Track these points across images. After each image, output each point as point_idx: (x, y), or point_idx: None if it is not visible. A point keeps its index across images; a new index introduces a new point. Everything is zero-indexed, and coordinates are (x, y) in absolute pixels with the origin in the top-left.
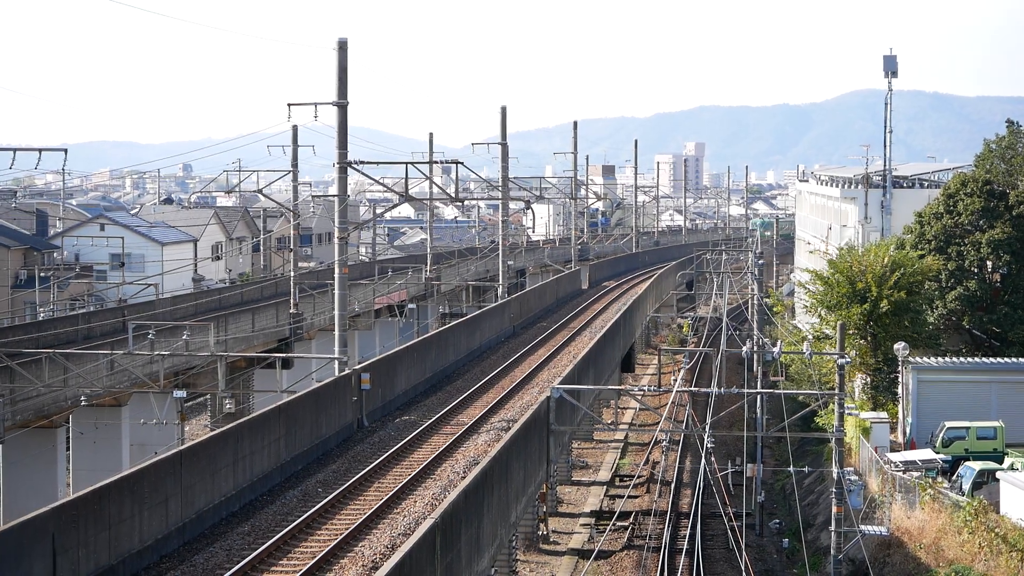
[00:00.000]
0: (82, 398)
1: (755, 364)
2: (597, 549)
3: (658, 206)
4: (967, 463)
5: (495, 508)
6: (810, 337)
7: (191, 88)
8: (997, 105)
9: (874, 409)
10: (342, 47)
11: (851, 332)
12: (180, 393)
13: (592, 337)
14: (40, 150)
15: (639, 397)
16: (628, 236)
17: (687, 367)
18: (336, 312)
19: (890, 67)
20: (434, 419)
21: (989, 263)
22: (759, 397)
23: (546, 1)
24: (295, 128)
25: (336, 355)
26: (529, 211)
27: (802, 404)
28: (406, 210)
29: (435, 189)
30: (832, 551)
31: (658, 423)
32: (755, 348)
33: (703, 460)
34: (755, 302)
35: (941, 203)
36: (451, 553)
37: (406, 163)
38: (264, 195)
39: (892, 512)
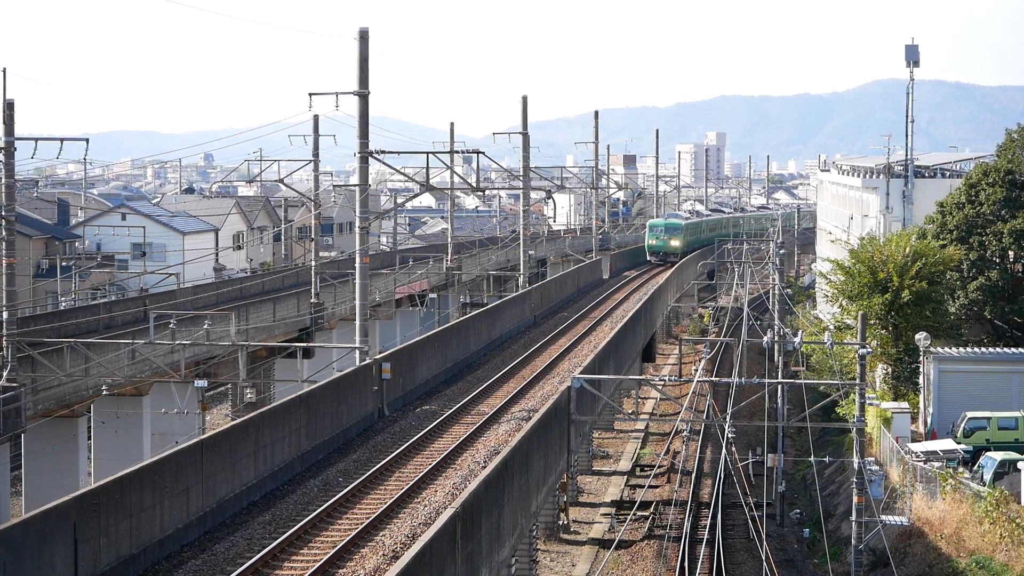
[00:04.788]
0: (103, 387)
1: (776, 354)
2: (618, 539)
3: (679, 196)
4: (988, 453)
5: (516, 498)
6: (831, 327)
7: (212, 78)
8: (1019, 95)
9: (895, 399)
10: (363, 37)
11: (872, 322)
12: (201, 383)
13: (613, 327)
14: (62, 139)
15: (660, 387)
16: None
17: (708, 357)
18: (357, 302)
19: (912, 57)
20: (455, 409)
21: (1011, 253)
22: (780, 387)
23: None
24: (316, 117)
25: (357, 345)
26: (550, 201)
27: (823, 394)
28: (427, 200)
29: (456, 179)
30: (853, 541)
31: (679, 413)
32: (776, 338)
33: (724, 450)
34: (776, 292)
35: (963, 193)
36: (472, 543)
37: (427, 153)
38: (285, 184)
39: (913, 502)
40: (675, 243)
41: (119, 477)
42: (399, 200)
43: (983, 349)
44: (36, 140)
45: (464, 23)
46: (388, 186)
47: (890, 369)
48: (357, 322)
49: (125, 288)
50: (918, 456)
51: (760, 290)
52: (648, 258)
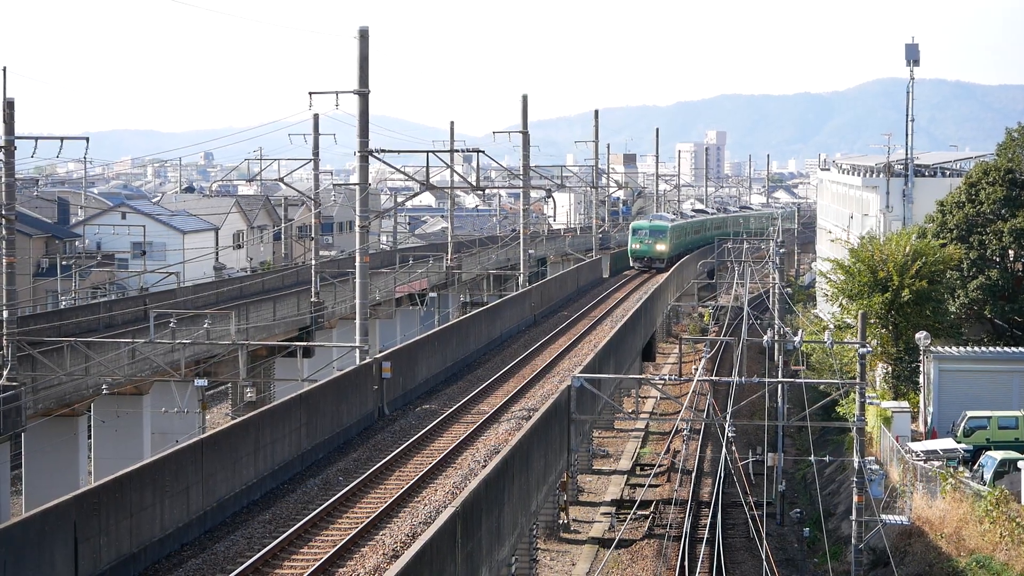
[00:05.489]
0: (103, 387)
1: (776, 353)
2: (618, 538)
3: (679, 195)
4: (988, 453)
5: (516, 497)
6: (831, 326)
7: (213, 76)
8: (1020, 94)
9: (895, 398)
10: (363, 36)
11: (872, 321)
12: (201, 382)
13: (613, 326)
14: (62, 138)
15: (660, 386)
16: None
17: (708, 356)
18: (357, 301)
19: (912, 56)
20: (455, 408)
21: (1011, 252)
22: (780, 386)
23: None
24: (316, 116)
25: (357, 344)
26: (550, 200)
27: (823, 393)
28: (427, 198)
29: (456, 177)
30: (853, 540)
31: (679, 412)
32: (776, 337)
33: (724, 449)
34: (776, 291)
35: (963, 192)
36: (472, 542)
37: (427, 152)
38: (285, 183)
39: (913, 501)
40: (661, 247)
41: (119, 476)
42: (399, 199)
43: (983, 348)
44: (36, 139)
45: (464, 22)
46: (388, 185)
47: (890, 368)
48: (357, 321)
49: (125, 287)
50: (918, 455)
51: (760, 289)
52: (631, 264)
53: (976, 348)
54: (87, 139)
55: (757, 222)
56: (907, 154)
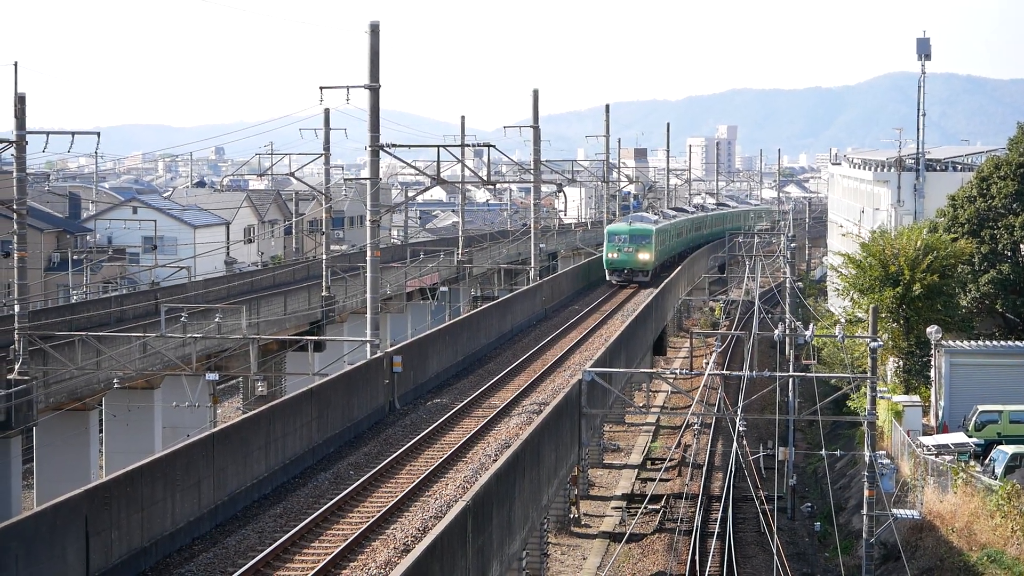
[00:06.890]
0: (115, 381)
1: (787, 347)
2: (628, 532)
3: (690, 189)
4: (1000, 447)
5: (527, 491)
6: (842, 320)
7: (224, 71)
8: None
9: (906, 393)
10: (374, 30)
11: (883, 315)
12: (212, 376)
13: (624, 320)
14: (73, 133)
15: (671, 380)
16: None
17: (719, 350)
18: (368, 295)
19: (923, 50)
20: (466, 402)
21: (1022, 246)
22: (791, 380)
23: None
24: (327, 111)
25: (368, 338)
26: (561, 194)
27: (834, 387)
28: (438, 193)
29: (467, 172)
30: (864, 535)
31: (690, 406)
32: (787, 331)
33: (735, 443)
34: (788, 285)
35: (974, 186)
36: (483, 536)
37: (438, 146)
38: (296, 178)
39: (924, 496)
40: (644, 256)
41: (130, 470)
42: (410, 193)
43: (994, 342)
44: (47, 134)
45: (475, 17)
46: (399, 180)
47: (901, 362)
48: (368, 315)
49: (136, 281)
50: (929, 449)
51: (771, 283)
52: (608, 277)
53: (987, 342)
54: (98, 134)
55: (735, 220)
56: (918, 148)
